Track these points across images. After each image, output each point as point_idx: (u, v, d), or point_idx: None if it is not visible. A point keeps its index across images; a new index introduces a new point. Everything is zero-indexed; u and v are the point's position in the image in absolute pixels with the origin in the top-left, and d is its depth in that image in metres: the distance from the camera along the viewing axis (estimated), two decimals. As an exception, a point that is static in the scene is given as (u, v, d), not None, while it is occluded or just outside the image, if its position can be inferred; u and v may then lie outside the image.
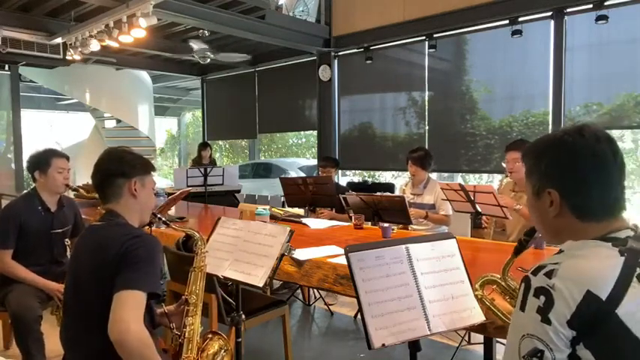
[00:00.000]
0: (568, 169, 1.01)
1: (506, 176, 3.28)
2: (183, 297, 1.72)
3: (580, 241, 0.99)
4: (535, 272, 0.95)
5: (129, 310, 1.41)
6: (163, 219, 1.87)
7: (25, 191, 3.11)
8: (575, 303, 0.88)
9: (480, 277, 1.43)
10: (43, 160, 2.72)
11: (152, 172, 1.78)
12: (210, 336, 1.73)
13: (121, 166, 1.68)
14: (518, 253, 1.30)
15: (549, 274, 0.92)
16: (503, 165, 3.22)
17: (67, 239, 2.87)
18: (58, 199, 2.84)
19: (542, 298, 0.91)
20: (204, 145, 7.40)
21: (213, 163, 7.47)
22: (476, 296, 1.43)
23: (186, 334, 1.63)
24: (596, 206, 1.00)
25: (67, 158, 2.82)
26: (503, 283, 1.36)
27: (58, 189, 2.77)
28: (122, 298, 1.42)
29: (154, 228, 2.82)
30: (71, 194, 5.01)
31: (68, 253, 2.95)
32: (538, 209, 1.07)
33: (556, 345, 0.88)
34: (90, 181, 5.71)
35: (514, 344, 0.95)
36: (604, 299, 0.87)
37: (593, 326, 0.88)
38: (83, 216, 3.17)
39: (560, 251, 1.00)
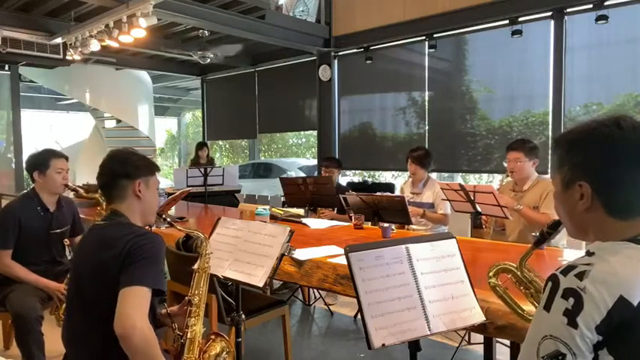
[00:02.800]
0: (602, 162, 0.95)
1: (507, 176, 3.28)
2: (186, 298, 1.73)
3: (610, 242, 0.95)
4: (565, 272, 0.91)
5: (135, 306, 1.43)
6: (168, 219, 1.87)
7: (23, 191, 3.12)
8: (607, 309, 0.84)
9: (495, 264, 1.42)
10: (41, 161, 2.72)
11: (156, 173, 1.79)
12: (212, 337, 1.74)
13: (125, 167, 1.69)
14: (539, 244, 1.28)
15: (580, 276, 0.88)
16: (505, 164, 3.22)
17: (65, 239, 2.87)
18: (57, 199, 2.84)
19: (571, 301, 0.87)
20: (201, 145, 7.41)
21: (211, 162, 7.47)
22: (489, 283, 1.42)
23: (189, 334, 1.63)
24: (629, 202, 0.95)
25: (66, 158, 2.82)
26: (518, 273, 1.34)
27: (57, 189, 2.78)
28: (128, 294, 1.44)
29: (154, 228, 2.82)
30: (71, 195, 5.03)
31: (67, 253, 2.96)
32: (566, 202, 1.02)
33: (580, 350, 0.85)
34: (89, 181, 5.72)
35: (533, 343, 0.91)
36: (635, 305, 0.85)
37: (621, 332, 0.85)
38: (82, 216, 3.17)
39: (589, 252, 0.96)
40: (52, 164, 2.72)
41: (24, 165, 2.82)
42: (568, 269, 0.91)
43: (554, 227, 1.23)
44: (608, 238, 0.96)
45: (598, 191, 0.96)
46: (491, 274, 1.41)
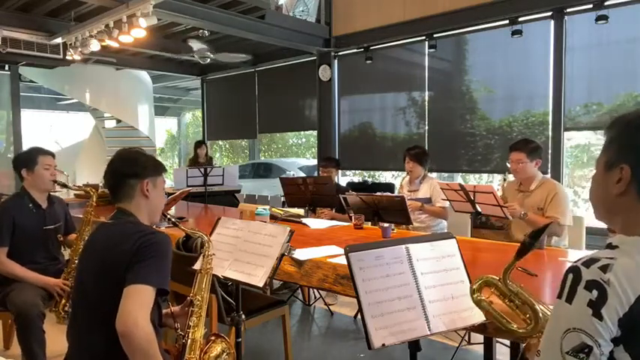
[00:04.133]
0: None
1: (505, 178, 3.29)
2: (188, 298, 1.73)
3: (635, 237, 0.94)
4: (587, 264, 0.90)
5: (138, 304, 1.43)
6: (173, 219, 1.88)
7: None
8: (629, 303, 0.85)
9: (477, 278, 1.35)
10: (29, 158, 2.75)
11: (163, 173, 1.82)
12: (212, 338, 1.74)
13: (133, 167, 1.71)
14: (522, 255, 1.23)
15: (604, 269, 0.87)
16: (508, 165, 3.22)
17: (59, 235, 2.89)
18: (48, 196, 2.87)
19: (595, 292, 0.86)
20: (199, 144, 7.42)
21: (209, 161, 7.47)
22: (473, 299, 1.35)
23: (190, 335, 1.64)
24: None
25: (53, 155, 2.84)
26: (502, 286, 1.28)
27: (46, 185, 2.79)
28: (132, 291, 1.45)
29: (153, 227, 2.82)
30: (71, 194, 5.03)
31: (63, 250, 2.97)
32: (603, 184, 1.01)
33: (605, 341, 0.85)
34: (89, 181, 5.69)
35: (555, 339, 0.89)
36: None
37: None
38: (80, 216, 3.18)
39: (611, 245, 0.95)
40: (40, 161, 2.74)
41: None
42: (590, 261, 0.90)
43: (536, 237, 1.21)
44: (633, 231, 0.95)
45: (637, 176, 0.95)
46: (475, 287, 1.35)
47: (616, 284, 0.85)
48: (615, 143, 0.99)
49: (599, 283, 0.86)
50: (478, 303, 1.34)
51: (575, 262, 0.93)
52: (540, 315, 1.22)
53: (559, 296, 0.92)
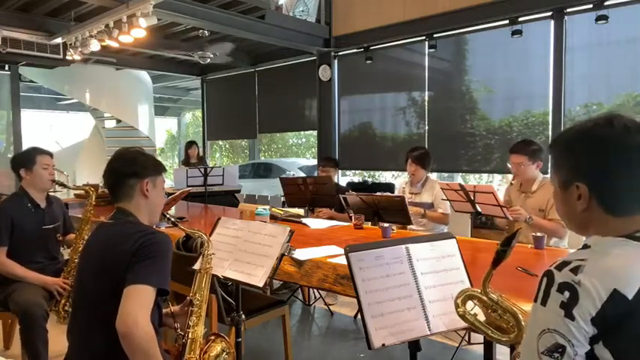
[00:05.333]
0: (596, 163, 0.97)
1: (512, 184, 3.28)
2: (187, 298, 1.73)
3: (607, 237, 0.96)
4: (559, 267, 0.93)
5: (138, 304, 1.43)
6: (172, 219, 1.88)
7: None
8: (601, 301, 0.86)
9: (460, 292, 1.36)
10: (27, 158, 2.76)
11: (163, 173, 1.82)
12: (212, 338, 1.74)
13: (133, 166, 1.71)
14: (497, 264, 1.23)
15: (575, 271, 0.90)
16: (509, 166, 3.21)
17: (58, 234, 2.89)
18: (46, 196, 2.87)
19: (567, 294, 0.89)
20: (190, 144, 7.39)
21: (201, 161, 7.45)
22: (457, 313, 1.35)
23: (190, 334, 1.64)
24: (626, 201, 0.96)
25: (51, 155, 2.85)
26: (484, 297, 1.29)
27: (45, 185, 2.80)
28: (132, 292, 1.45)
29: (153, 227, 2.82)
30: (71, 194, 5.03)
31: (62, 249, 2.97)
32: (565, 202, 1.04)
33: (578, 341, 0.87)
34: (89, 181, 5.70)
35: (532, 340, 0.92)
36: (630, 298, 0.86)
37: (617, 325, 0.87)
38: (79, 215, 3.19)
39: (585, 246, 0.98)
40: (38, 160, 2.75)
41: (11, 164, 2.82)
42: (562, 265, 0.93)
43: (507, 244, 1.22)
44: (607, 235, 0.97)
45: (594, 191, 0.98)
46: (458, 301, 1.35)
47: (587, 285, 0.88)
48: (562, 164, 1.03)
49: (571, 284, 0.89)
50: (463, 317, 1.35)
51: (550, 266, 0.96)
52: (523, 323, 1.23)
53: (535, 299, 0.95)
